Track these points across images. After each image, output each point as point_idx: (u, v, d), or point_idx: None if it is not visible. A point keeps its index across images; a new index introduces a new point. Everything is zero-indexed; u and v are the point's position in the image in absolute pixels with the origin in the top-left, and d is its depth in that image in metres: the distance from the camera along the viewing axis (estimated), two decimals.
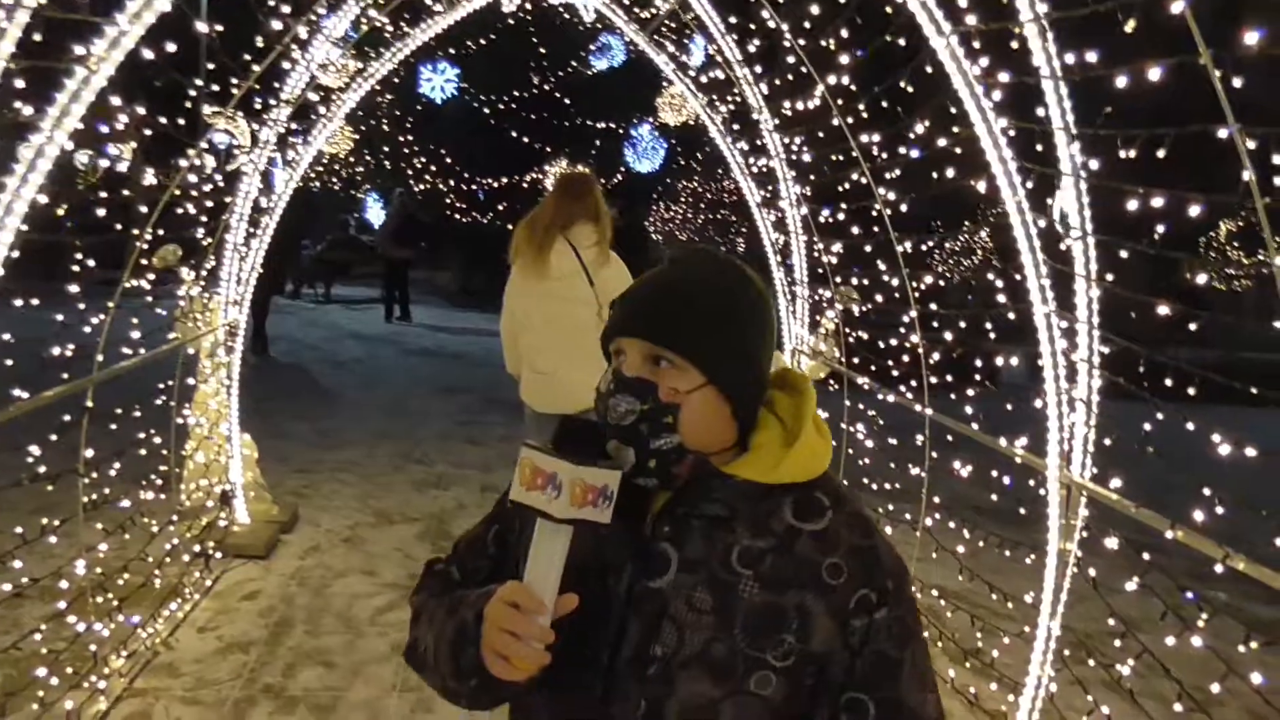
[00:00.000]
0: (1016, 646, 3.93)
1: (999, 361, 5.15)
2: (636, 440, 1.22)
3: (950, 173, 3.45)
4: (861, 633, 1.21)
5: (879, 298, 4.63)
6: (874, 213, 4.11)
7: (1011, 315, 3.43)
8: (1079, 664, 3.37)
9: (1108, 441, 2.98)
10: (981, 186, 3.17)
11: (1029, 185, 2.98)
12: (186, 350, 5.14)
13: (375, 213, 20.44)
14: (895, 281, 4.27)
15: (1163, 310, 2.70)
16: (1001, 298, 3.33)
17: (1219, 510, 2.57)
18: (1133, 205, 2.66)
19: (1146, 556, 2.92)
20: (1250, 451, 2.45)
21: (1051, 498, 3.23)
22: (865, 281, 4.68)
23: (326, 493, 6.39)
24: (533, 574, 1.16)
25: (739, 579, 1.21)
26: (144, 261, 3.74)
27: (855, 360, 5.23)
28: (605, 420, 1.25)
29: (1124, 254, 2.83)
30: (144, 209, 3.79)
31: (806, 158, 4.58)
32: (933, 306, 4.07)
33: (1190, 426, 2.59)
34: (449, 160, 18.58)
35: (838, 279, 5.23)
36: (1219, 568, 2.44)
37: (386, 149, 18.72)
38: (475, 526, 1.48)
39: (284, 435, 7.79)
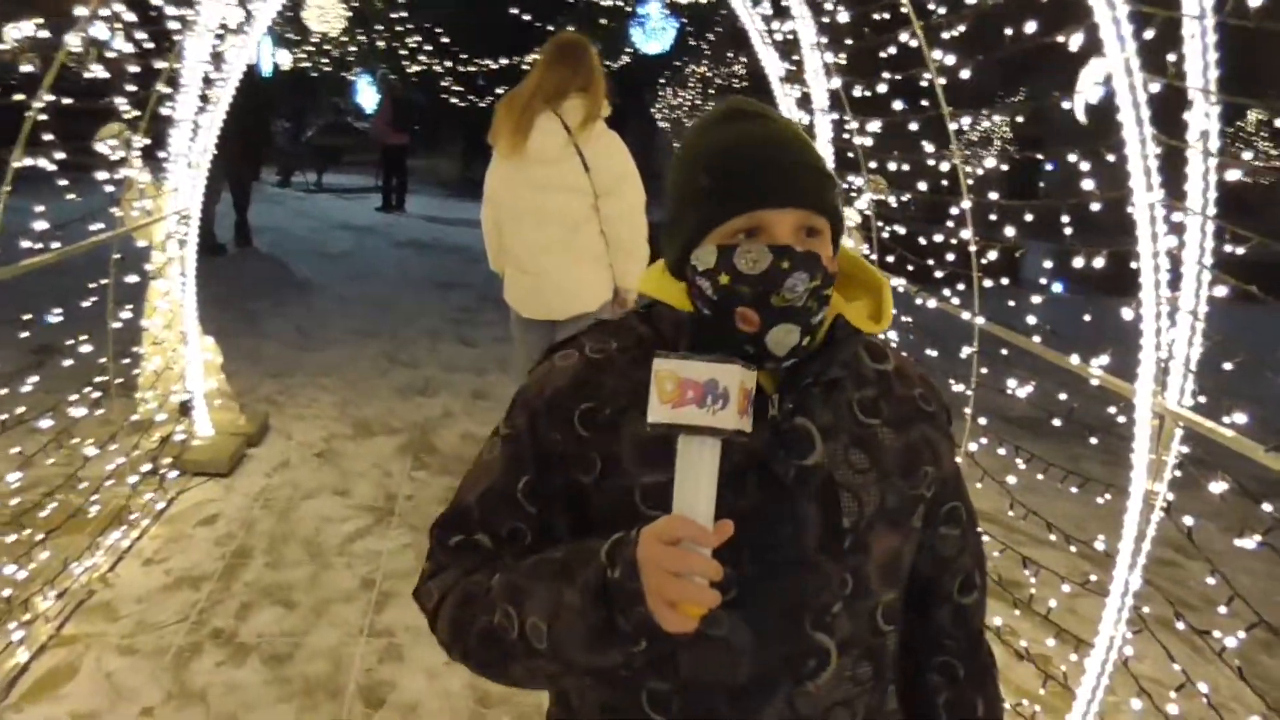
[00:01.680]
0: (1082, 601, 3.43)
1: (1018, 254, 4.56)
2: (805, 320, 1.10)
3: (1031, 27, 2.78)
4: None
5: (923, 185, 3.98)
6: (924, 82, 3.43)
7: (1096, 206, 2.81)
8: (1164, 628, 2.85)
9: (1228, 366, 2.40)
10: (1075, 42, 2.50)
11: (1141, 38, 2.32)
12: (134, 242, 4.58)
13: (367, 96, 19.45)
14: (945, 166, 3.62)
15: None
16: (1088, 185, 2.70)
17: None
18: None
19: (1268, 508, 2.37)
20: None
21: (1140, 429, 2.67)
22: (906, 168, 4.02)
23: (303, 400, 5.86)
24: (685, 501, 1.00)
25: (874, 430, 1.21)
26: (48, 137, 3.10)
27: (889, 259, 4.62)
28: (762, 303, 1.08)
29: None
30: (28, 69, 3.13)
31: (843, 17, 3.86)
32: (992, 196, 3.43)
33: None
34: (445, 40, 17.54)
35: (872, 165, 4.59)
36: None
37: (380, 27, 17.70)
38: (484, 478, 1.23)
39: (262, 334, 7.24)
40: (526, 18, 16.38)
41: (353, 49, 18.42)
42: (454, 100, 17.75)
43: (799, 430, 1.15)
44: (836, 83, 4.03)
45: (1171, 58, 2.27)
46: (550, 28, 17.28)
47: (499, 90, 18.34)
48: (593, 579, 1.04)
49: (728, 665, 1.13)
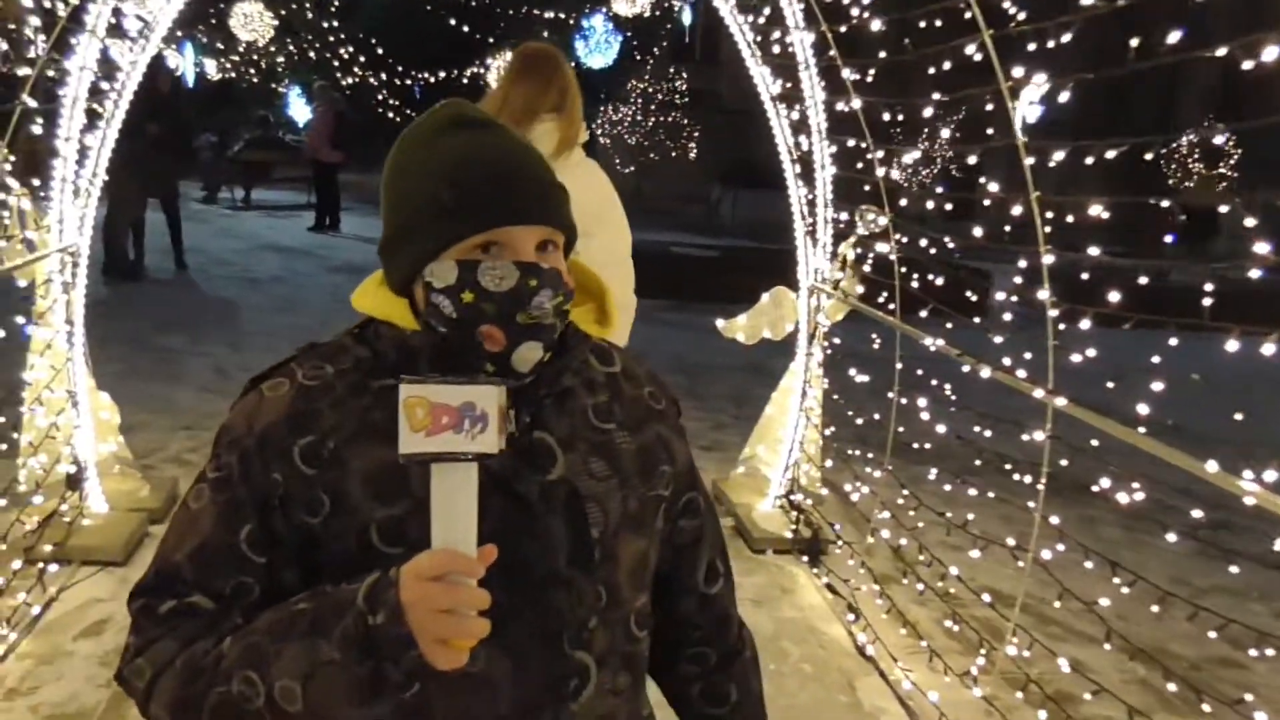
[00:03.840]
0: None
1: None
2: (549, 337, 1.10)
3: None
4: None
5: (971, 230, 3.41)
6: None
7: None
8: None
9: None
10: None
11: None
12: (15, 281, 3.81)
13: (299, 108, 18.55)
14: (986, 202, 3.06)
15: None
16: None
17: None
18: None
19: None
20: None
21: None
22: (949, 206, 3.45)
23: None
24: (445, 533, 0.96)
25: (610, 434, 1.20)
26: None
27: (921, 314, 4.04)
28: (508, 321, 1.06)
29: None
30: None
31: (875, 25, 3.27)
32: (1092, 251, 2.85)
33: None
34: (379, 51, 16.75)
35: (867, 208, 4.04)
36: None
37: (310, 37, 16.86)
38: (194, 532, 1.09)
39: (176, 378, 6.44)
40: (465, 29, 15.75)
41: (280, 59, 17.55)
42: (390, 115, 16.95)
43: (538, 445, 1.13)
44: (857, 103, 3.43)
45: None
46: (490, 39, 16.69)
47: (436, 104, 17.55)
48: (352, 629, 0.97)
49: (487, 699, 1.09)
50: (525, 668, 1.09)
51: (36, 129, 3.32)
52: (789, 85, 4.03)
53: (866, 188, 3.73)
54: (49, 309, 3.89)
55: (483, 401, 0.94)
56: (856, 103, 3.37)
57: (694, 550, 1.32)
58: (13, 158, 3.44)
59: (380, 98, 17.03)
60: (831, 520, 4.49)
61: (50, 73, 3.28)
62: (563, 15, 16.72)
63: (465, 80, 16.50)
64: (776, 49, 3.91)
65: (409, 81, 17.33)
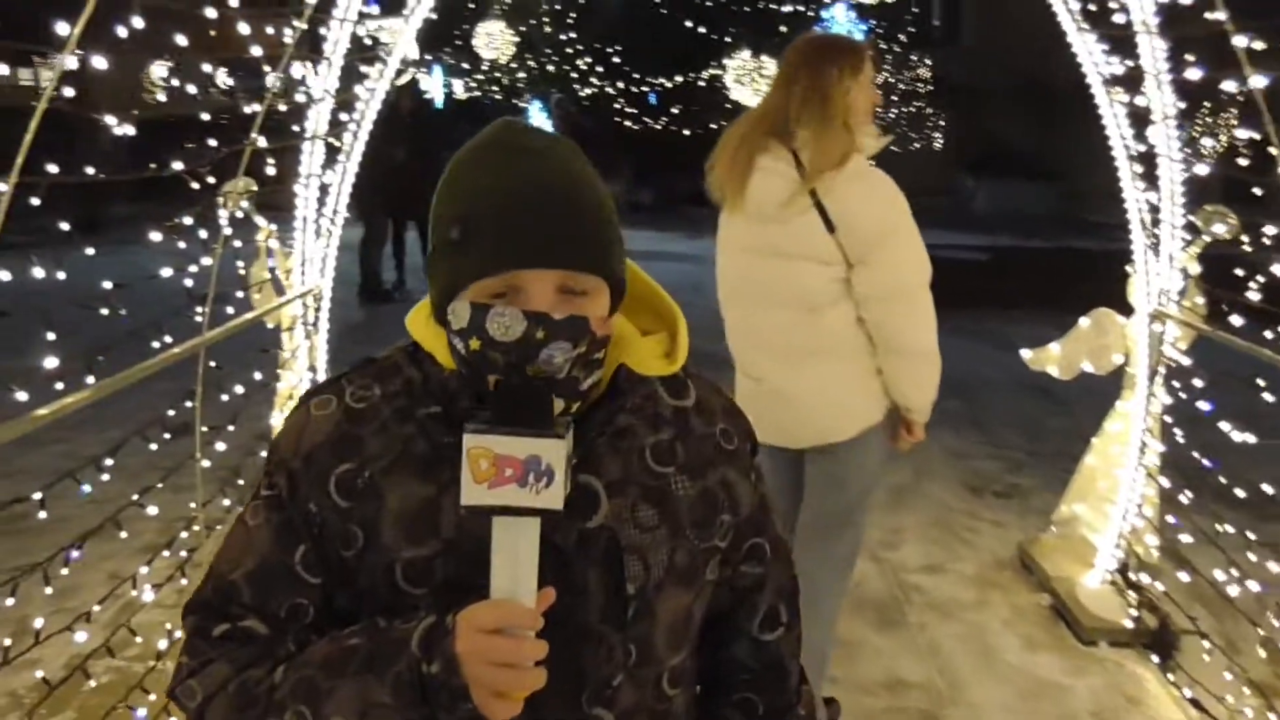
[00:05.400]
0: None
1: None
2: (570, 390, 1.01)
3: None
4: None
5: None
6: None
7: None
8: None
9: None
10: None
11: None
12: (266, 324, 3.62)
13: (538, 123, 18.83)
14: None
15: None
16: None
17: None
18: None
19: None
20: None
21: None
22: None
23: None
24: (505, 584, 0.95)
25: (667, 479, 1.12)
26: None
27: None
28: (519, 375, 0.97)
29: None
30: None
31: None
32: None
33: None
34: (616, 60, 16.64)
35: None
36: None
37: (549, 50, 17.00)
38: (250, 551, 1.08)
39: None
40: (700, 29, 15.31)
41: (522, 75, 17.84)
42: (627, 123, 16.81)
43: (582, 489, 1.06)
44: (1258, 81, 2.57)
45: None
46: (727, 39, 16.17)
47: (673, 110, 17.38)
48: (406, 674, 0.96)
49: None
50: None
51: (270, 169, 3.05)
52: (1128, 63, 3.19)
53: (1259, 191, 2.84)
54: (292, 356, 3.66)
55: (548, 456, 0.92)
56: (1258, 80, 2.50)
57: (754, 595, 1.24)
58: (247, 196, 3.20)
59: (617, 106, 16.94)
60: (1182, 603, 3.59)
61: (281, 107, 2.99)
62: (801, 8, 15.99)
63: (702, 83, 16.10)
64: (1119, 16, 3.07)
65: (645, 89, 17.15)
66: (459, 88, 18.66)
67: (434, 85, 17.32)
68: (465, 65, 18.08)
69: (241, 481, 3.25)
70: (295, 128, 3.26)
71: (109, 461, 2.54)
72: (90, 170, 2.38)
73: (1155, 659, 3.43)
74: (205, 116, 3.03)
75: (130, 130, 2.41)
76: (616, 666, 1.07)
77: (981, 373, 7.03)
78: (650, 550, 1.09)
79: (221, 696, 1.04)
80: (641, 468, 1.10)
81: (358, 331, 8.28)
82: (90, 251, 2.82)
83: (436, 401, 1.06)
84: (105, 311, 2.41)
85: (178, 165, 2.49)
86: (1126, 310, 3.80)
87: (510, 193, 0.99)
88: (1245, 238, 3.31)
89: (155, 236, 2.38)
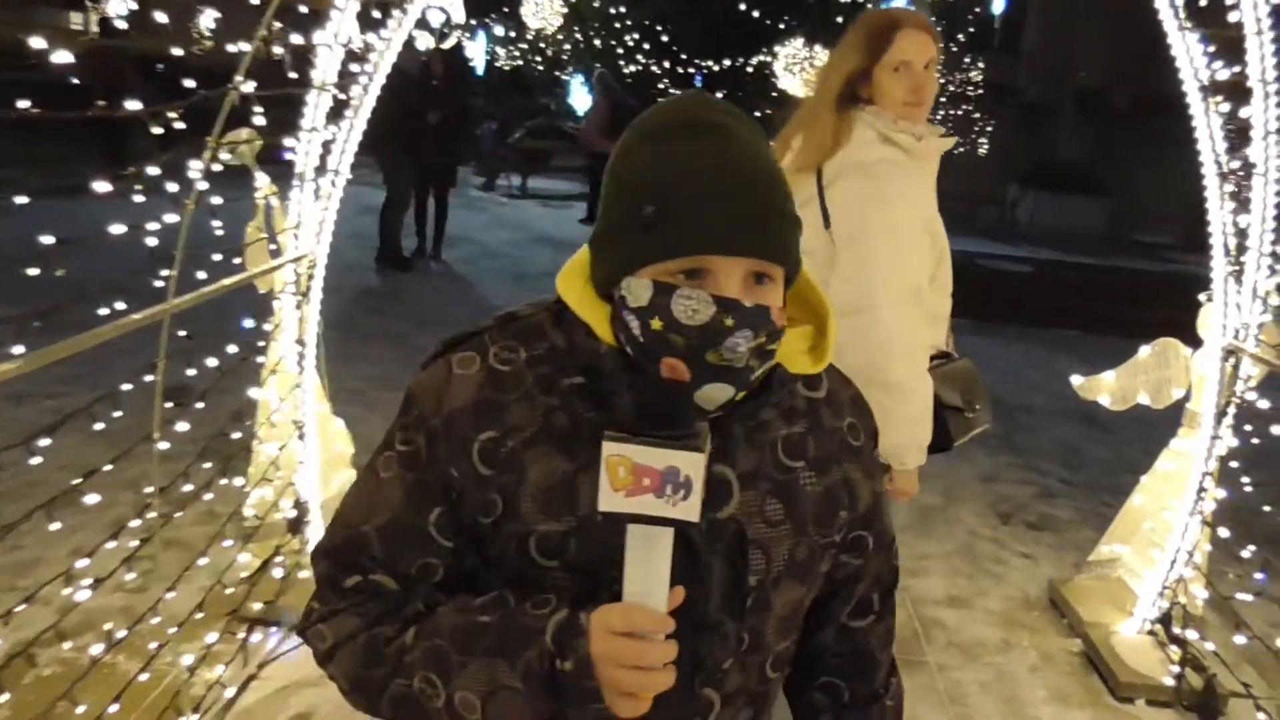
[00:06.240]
0: None
1: None
2: (744, 379, 1.01)
3: None
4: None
5: None
6: None
7: None
8: None
9: None
10: None
11: None
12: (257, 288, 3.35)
13: (580, 97, 18.45)
14: None
15: None
16: None
17: None
18: None
19: None
20: None
21: None
22: None
23: None
24: (638, 589, 0.96)
25: (796, 474, 1.12)
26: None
27: None
28: (696, 358, 0.97)
29: None
30: None
31: None
32: None
33: None
34: (664, 39, 16.26)
35: None
36: None
37: (597, 24, 16.65)
38: (383, 505, 1.09)
39: None
40: (756, 14, 14.91)
41: (567, 47, 17.50)
42: None
43: (716, 479, 1.05)
44: None
45: None
46: (780, 25, 15.76)
47: (718, 94, 16.95)
48: (537, 666, 0.98)
49: None
50: (657, 704, 0.99)
51: (259, 119, 2.76)
52: (1234, 70, 2.84)
53: None
54: (278, 327, 3.39)
55: (687, 468, 0.91)
56: None
57: (850, 586, 1.23)
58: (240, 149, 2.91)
59: (661, 86, 16.57)
60: (1231, 663, 3.26)
61: (277, 50, 2.70)
62: None
63: (750, 69, 15.70)
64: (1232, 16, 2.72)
65: (691, 70, 16.77)
66: (502, 55, 18.35)
67: (477, 51, 17.01)
68: (511, 34, 17.77)
69: (208, 465, 2.95)
70: (293, 75, 2.97)
71: (99, 426, 2.26)
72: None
73: None
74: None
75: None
76: (729, 652, 1.09)
77: (1019, 390, 6.69)
78: (773, 545, 1.10)
79: (350, 646, 1.07)
80: (773, 462, 1.11)
81: (371, 298, 8.02)
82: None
83: (581, 372, 1.05)
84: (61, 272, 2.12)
85: (134, 105, 2.18)
86: (1189, 339, 3.47)
87: (707, 176, 0.99)
88: None
89: (105, 187, 2.07)
